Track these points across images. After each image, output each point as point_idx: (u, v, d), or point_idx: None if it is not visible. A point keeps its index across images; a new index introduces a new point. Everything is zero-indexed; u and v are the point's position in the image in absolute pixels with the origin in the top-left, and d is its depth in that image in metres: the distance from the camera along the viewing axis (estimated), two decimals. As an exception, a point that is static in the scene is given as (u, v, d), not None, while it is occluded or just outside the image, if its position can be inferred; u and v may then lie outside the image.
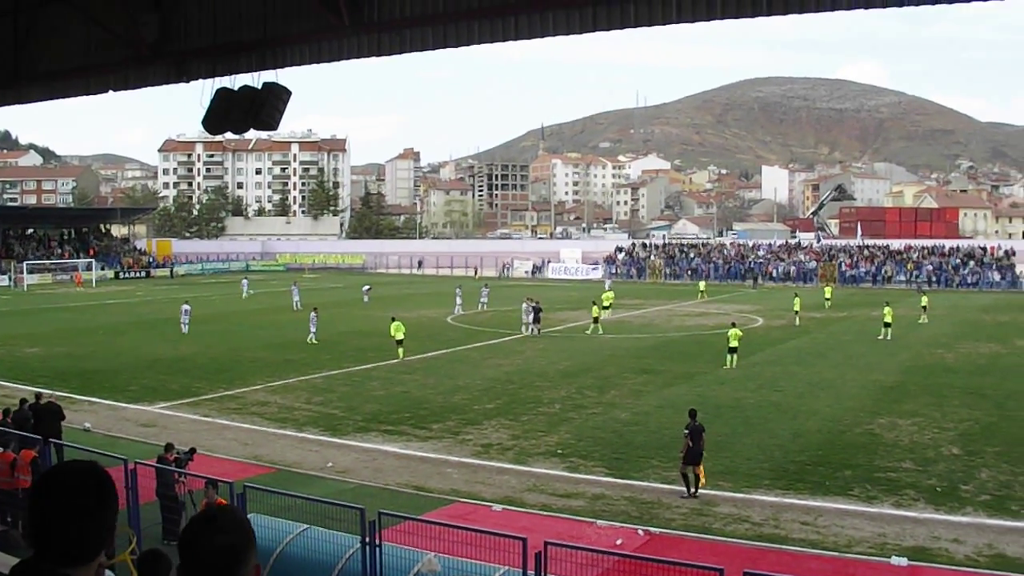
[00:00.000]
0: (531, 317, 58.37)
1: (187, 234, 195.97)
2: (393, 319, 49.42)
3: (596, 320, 59.60)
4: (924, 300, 68.61)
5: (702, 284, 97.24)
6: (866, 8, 13.61)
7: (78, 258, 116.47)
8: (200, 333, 58.31)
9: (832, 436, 30.65)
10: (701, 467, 23.93)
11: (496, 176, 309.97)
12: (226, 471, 22.70)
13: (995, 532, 21.24)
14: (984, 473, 26.01)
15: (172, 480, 20.11)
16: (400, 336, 48.05)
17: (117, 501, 3.52)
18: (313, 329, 53.64)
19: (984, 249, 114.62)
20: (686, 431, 24.13)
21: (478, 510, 22.71)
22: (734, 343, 44.22)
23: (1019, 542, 20.60)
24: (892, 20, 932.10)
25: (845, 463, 27.13)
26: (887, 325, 55.17)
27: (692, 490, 23.80)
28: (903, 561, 19.30)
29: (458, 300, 72.56)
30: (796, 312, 65.23)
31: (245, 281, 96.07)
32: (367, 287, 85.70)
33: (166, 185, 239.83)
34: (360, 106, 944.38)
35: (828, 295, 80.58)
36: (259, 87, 16.51)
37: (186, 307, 60.36)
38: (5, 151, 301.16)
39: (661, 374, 43.51)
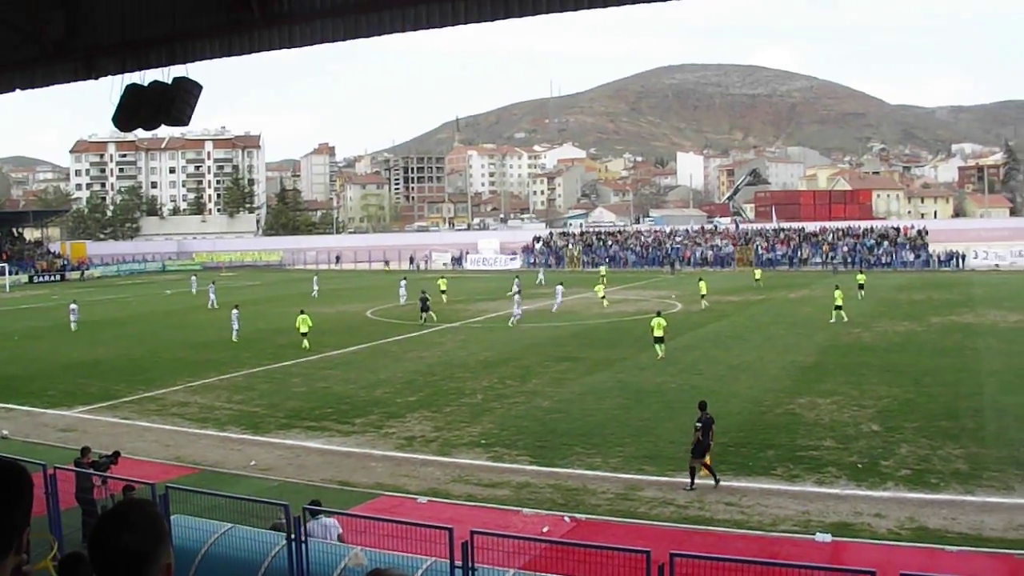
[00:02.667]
0: (420, 306, 59.95)
1: (101, 235, 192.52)
2: (301, 312, 50.45)
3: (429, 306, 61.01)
4: (860, 278, 70.50)
5: (603, 269, 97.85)
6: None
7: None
8: (118, 335, 57.83)
9: (753, 417, 30.94)
10: (708, 458, 23.70)
11: (412, 169, 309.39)
12: (148, 473, 22.44)
13: (916, 505, 21.59)
14: (904, 448, 26.41)
15: (90, 484, 19.85)
16: (305, 329, 49.49)
17: (27, 500, 3.41)
18: (235, 327, 53.34)
19: (897, 229, 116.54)
20: (698, 424, 23.72)
21: (404, 503, 22.69)
22: (659, 332, 43.76)
23: (939, 514, 20.95)
24: (803, 4, 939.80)
25: (767, 443, 27.43)
26: (838, 308, 54.94)
27: (693, 484, 23.44)
28: (827, 537, 19.55)
29: (402, 291, 73.07)
30: (703, 296, 66.12)
31: (194, 278, 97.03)
32: (316, 278, 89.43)
33: (79, 187, 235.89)
34: (274, 103, 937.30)
35: (758, 276, 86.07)
36: (169, 83, 16.30)
37: (73, 306, 62.47)
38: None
39: (582, 361, 43.65)
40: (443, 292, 73.92)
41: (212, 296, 75.04)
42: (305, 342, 49.04)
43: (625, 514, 21.82)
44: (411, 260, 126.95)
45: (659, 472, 24.86)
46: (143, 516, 3.46)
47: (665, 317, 46.04)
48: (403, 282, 75.60)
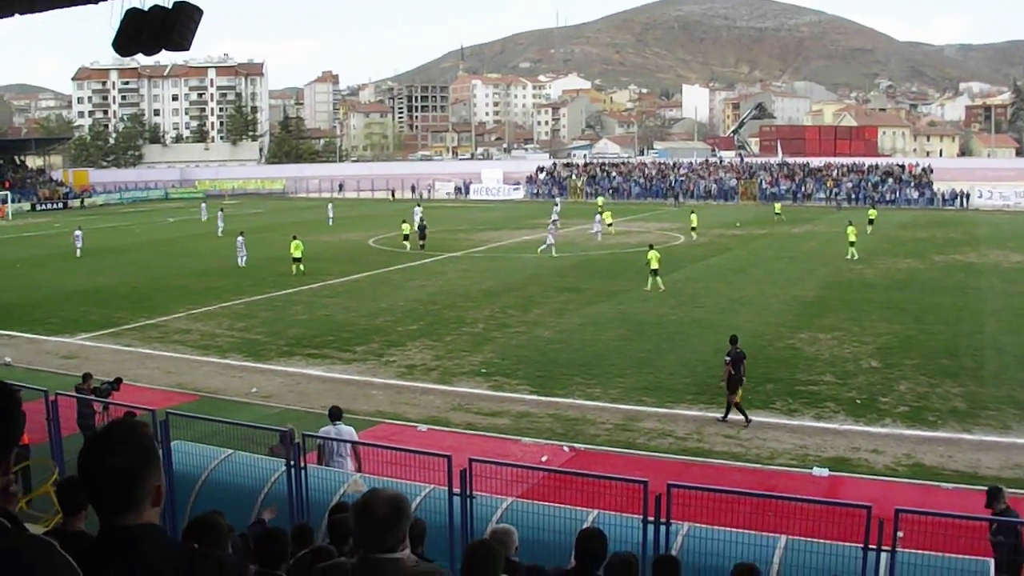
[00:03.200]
0: (419, 233, 62.13)
1: (104, 163, 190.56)
2: (294, 238, 51.11)
3: (407, 237, 62.33)
4: (872, 214, 71.38)
5: (600, 200, 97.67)
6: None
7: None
8: (120, 263, 57.83)
9: (754, 351, 30.82)
10: (739, 393, 23.60)
11: (416, 98, 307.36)
12: (150, 400, 22.49)
13: (913, 442, 21.69)
14: (903, 385, 26.51)
15: (91, 410, 19.88)
16: (297, 255, 50.19)
17: (16, 421, 3.38)
18: (243, 253, 53.77)
19: (902, 167, 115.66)
20: (727, 358, 23.66)
21: (404, 431, 22.81)
22: (655, 265, 43.79)
23: (936, 451, 21.06)
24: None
25: (767, 377, 27.51)
26: (852, 244, 54.96)
27: (748, 417, 23.34)
28: (824, 472, 19.66)
29: (416, 219, 72.03)
30: (693, 228, 66.37)
31: (204, 205, 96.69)
32: (331, 206, 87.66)
33: (81, 114, 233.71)
34: (277, 29, 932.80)
35: (778, 209, 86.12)
36: (170, 7, 16.14)
37: (78, 232, 62.48)
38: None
39: (583, 292, 43.71)
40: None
41: (220, 223, 75.10)
42: (298, 267, 49.87)
43: (624, 444, 21.95)
44: (413, 189, 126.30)
45: (658, 404, 24.99)
46: (131, 437, 3.40)
47: (665, 249, 46.02)
48: (417, 209, 74.80)
